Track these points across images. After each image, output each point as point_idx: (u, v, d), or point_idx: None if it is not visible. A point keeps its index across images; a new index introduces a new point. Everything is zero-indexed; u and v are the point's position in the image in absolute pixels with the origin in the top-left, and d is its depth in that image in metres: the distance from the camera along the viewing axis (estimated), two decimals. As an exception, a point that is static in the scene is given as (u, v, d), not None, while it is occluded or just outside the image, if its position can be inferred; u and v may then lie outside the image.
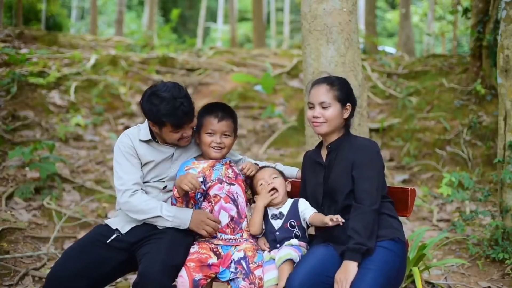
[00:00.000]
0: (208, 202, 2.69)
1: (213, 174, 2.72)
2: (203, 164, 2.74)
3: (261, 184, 2.71)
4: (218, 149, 2.73)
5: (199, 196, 2.71)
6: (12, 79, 7.61)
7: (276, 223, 2.66)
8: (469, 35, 7.55)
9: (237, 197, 2.73)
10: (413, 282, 3.46)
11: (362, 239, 2.42)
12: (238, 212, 2.70)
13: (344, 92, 2.65)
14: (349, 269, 2.39)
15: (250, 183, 2.83)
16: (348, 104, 2.65)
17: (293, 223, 2.65)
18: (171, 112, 2.59)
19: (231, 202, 2.70)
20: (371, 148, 2.59)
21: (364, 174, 2.51)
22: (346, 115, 2.65)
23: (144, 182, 2.77)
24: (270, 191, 2.68)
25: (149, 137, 2.77)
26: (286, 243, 2.61)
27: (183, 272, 2.50)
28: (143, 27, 19.89)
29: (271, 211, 2.70)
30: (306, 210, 2.64)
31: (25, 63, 8.52)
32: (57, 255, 4.27)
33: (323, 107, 2.61)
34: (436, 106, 7.65)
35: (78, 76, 8.96)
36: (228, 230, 2.69)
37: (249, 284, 2.50)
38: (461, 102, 7.34)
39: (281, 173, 2.83)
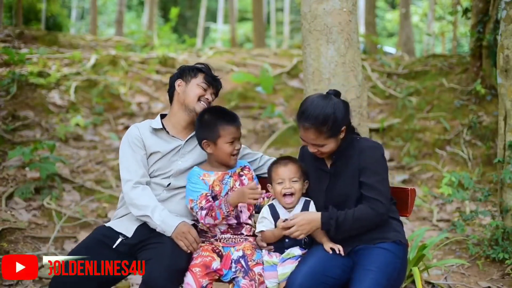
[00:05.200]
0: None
1: (223, 190, 2.68)
2: (213, 177, 2.70)
3: (280, 183, 2.60)
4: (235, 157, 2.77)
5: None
6: (12, 79, 7.60)
7: None
8: (469, 35, 7.54)
9: (240, 211, 2.69)
10: (413, 282, 3.46)
11: (340, 221, 2.45)
12: (238, 223, 2.69)
13: (336, 126, 2.47)
14: (314, 221, 2.47)
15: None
16: (342, 128, 2.52)
17: None
18: (207, 68, 2.89)
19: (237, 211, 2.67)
20: (375, 150, 2.55)
21: (371, 179, 2.49)
22: (342, 135, 2.55)
23: (149, 176, 2.76)
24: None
25: (160, 126, 2.81)
26: (288, 251, 2.58)
27: (189, 279, 2.48)
28: (143, 27, 19.87)
29: (284, 215, 2.62)
30: None
31: (25, 63, 8.51)
32: (57, 255, 4.27)
33: (321, 146, 2.52)
34: (436, 106, 7.65)
35: (78, 76, 8.96)
36: (228, 234, 2.68)
37: (249, 281, 2.50)
38: (461, 102, 7.33)
39: (300, 167, 2.66)
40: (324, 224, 2.47)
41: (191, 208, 2.65)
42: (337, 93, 2.60)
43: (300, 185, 2.63)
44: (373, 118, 7.97)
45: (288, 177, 2.60)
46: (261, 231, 2.64)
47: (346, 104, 2.58)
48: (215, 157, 2.72)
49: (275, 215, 2.63)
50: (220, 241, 2.66)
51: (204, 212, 2.59)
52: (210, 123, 2.70)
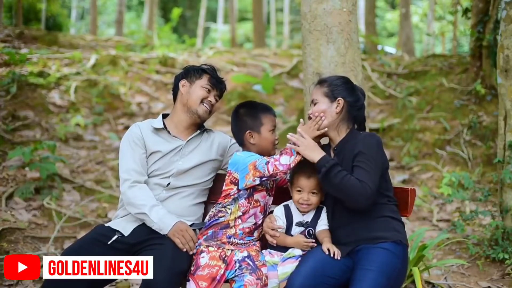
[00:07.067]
0: (248, 203, 2.63)
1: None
2: None
3: (299, 191, 2.60)
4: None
5: (241, 193, 2.62)
6: (12, 79, 7.60)
7: (297, 230, 2.62)
8: (469, 35, 7.54)
9: (268, 208, 2.73)
10: (413, 282, 3.46)
11: (332, 172, 2.43)
12: (262, 221, 2.70)
13: (333, 88, 2.65)
14: (315, 152, 2.52)
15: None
16: (339, 98, 2.63)
17: (311, 232, 2.63)
18: (212, 69, 2.89)
19: (263, 212, 2.69)
20: (370, 138, 2.56)
21: (362, 163, 2.47)
22: (338, 109, 2.62)
23: (149, 175, 2.75)
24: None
25: (161, 125, 2.81)
26: (289, 251, 2.58)
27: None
28: (143, 27, 19.87)
29: (297, 218, 2.64)
30: (321, 221, 2.64)
31: (25, 63, 8.51)
32: (57, 255, 4.27)
33: (314, 104, 2.67)
34: (436, 106, 7.65)
35: (78, 76, 8.96)
36: (244, 232, 2.65)
37: (256, 279, 2.50)
38: (461, 102, 7.33)
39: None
40: (319, 161, 2.47)
41: (255, 168, 2.54)
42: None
43: (318, 198, 2.63)
44: (373, 118, 7.97)
45: (308, 190, 2.59)
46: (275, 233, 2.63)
47: (359, 89, 2.75)
48: (258, 147, 2.68)
49: (289, 217, 2.64)
50: (232, 245, 2.62)
51: (277, 155, 2.56)
52: (251, 113, 2.70)
